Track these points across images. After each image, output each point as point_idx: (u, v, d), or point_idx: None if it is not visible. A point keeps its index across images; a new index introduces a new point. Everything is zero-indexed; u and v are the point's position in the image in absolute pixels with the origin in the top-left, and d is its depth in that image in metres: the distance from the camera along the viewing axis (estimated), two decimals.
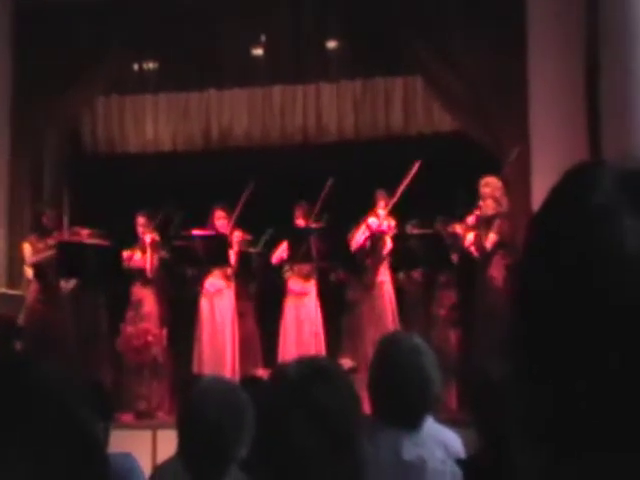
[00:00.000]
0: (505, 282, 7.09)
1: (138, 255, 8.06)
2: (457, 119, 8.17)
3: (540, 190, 6.92)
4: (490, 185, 7.32)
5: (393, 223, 7.87)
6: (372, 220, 7.82)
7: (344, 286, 8.22)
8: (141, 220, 8.09)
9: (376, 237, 7.80)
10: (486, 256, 7.25)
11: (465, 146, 7.98)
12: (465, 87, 7.77)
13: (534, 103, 7.48)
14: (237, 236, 7.92)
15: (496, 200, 7.32)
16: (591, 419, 0.61)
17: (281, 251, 8.00)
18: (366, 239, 7.82)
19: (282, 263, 8.05)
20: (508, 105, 7.61)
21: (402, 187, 7.67)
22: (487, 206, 7.30)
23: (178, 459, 2.38)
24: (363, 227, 7.82)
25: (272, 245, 8.14)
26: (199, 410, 2.26)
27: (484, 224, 7.30)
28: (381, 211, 7.88)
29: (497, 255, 7.25)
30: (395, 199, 7.76)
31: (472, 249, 7.35)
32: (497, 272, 7.19)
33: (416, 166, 7.59)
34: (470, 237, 7.36)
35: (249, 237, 8.09)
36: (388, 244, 7.78)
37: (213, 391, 2.32)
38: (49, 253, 7.76)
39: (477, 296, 7.25)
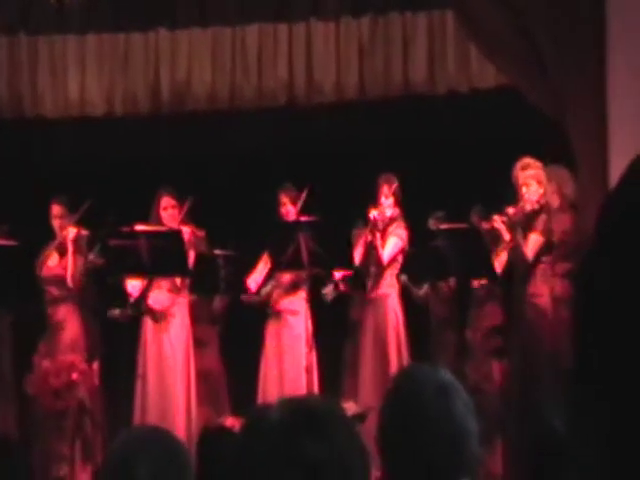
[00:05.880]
0: (554, 301, 7.16)
1: (55, 259, 8.06)
2: (503, 70, 8.16)
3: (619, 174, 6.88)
4: (532, 166, 7.37)
5: (396, 212, 7.93)
6: (373, 213, 7.91)
7: (345, 301, 8.27)
8: (56, 210, 8.08)
9: (374, 235, 7.89)
10: (526, 266, 7.31)
11: (514, 109, 8.01)
12: (517, 23, 7.75)
13: (613, 51, 7.48)
14: (185, 232, 7.91)
15: (542, 186, 7.37)
16: None
17: (260, 271, 8.05)
18: (366, 243, 7.90)
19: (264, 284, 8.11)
20: (579, 51, 7.57)
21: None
22: (533, 193, 7.34)
23: None
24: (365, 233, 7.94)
25: (241, 247, 8.18)
26: (123, 473, 2.22)
27: (523, 222, 7.35)
28: (385, 200, 7.94)
29: (542, 264, 7.32)
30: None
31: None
32: (543, 287, 7.25)
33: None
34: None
35: (202, 234, 8.09)
36: (392, 245, 7.86)
37: (142, 446, 2.27)
38: None
39: (515, 320, 7.34)
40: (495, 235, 7.53)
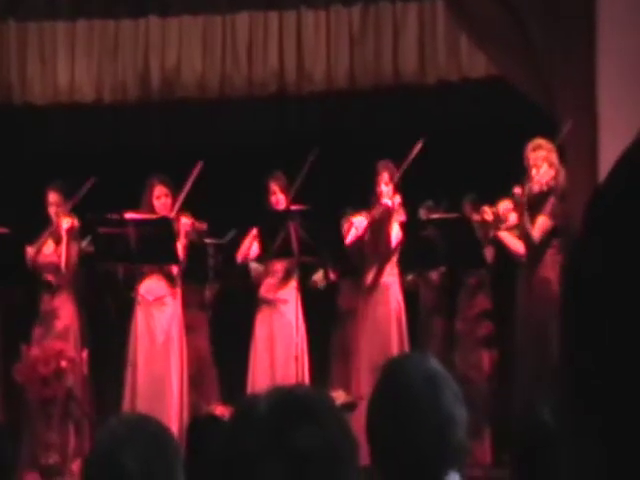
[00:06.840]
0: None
1: (50, 247, 8.04)
2: (494, 60, 8.16)
3: (610, 161, 6.83)
4: (544, 147, 7.32)
5: (398, 200, 7.93)
6: (386, 200, 7.89)
7: (335, 290, 8.26)
8: (53, 197, 8.06)
9: (380, 221, 7.88)
10: (535, 249, 7.26)
11: (505, 98, 8.01)
12: (508, 13, 7.75)
13: (603, 40, 7.48)
14: (185, 224, 7.92)
15: (554, 168, 7.31)
16: None
17: (249, 243, 8.03)
18: (366, 228, 7.89)
19: (249, 261, 8.09)
20: (569, 40, 7.57)
21: (404, 167, 7.74)
22: (543, 175, 7.28)
23: None
24: (360, 218, 7.92)
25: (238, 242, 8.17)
26: (111, 463, 2.22)
27: (532, 203, 7.29)
28: (385, 187, 7.93)
29: (552, 249, 7.28)
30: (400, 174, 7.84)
31: (513, 244, 7.39)
32: (552, 272, 7.20)
33: (418, 147, 7.63)
34: (512, 217, 7.36)
35: (203, 226, 8.08)
36: (396, 232, 7.85)
37: (130, 435, 2.28)
38: None
39: (520, 306, 7.28)
40: (485, 226, 7.52)
